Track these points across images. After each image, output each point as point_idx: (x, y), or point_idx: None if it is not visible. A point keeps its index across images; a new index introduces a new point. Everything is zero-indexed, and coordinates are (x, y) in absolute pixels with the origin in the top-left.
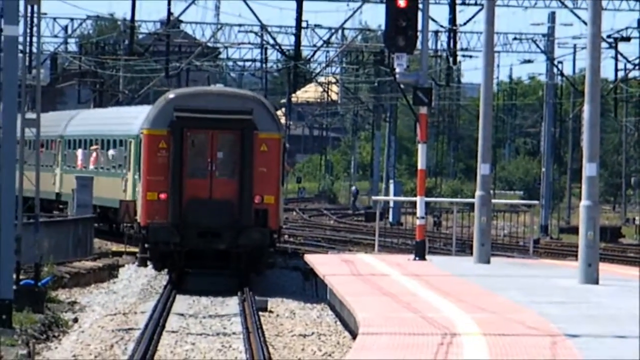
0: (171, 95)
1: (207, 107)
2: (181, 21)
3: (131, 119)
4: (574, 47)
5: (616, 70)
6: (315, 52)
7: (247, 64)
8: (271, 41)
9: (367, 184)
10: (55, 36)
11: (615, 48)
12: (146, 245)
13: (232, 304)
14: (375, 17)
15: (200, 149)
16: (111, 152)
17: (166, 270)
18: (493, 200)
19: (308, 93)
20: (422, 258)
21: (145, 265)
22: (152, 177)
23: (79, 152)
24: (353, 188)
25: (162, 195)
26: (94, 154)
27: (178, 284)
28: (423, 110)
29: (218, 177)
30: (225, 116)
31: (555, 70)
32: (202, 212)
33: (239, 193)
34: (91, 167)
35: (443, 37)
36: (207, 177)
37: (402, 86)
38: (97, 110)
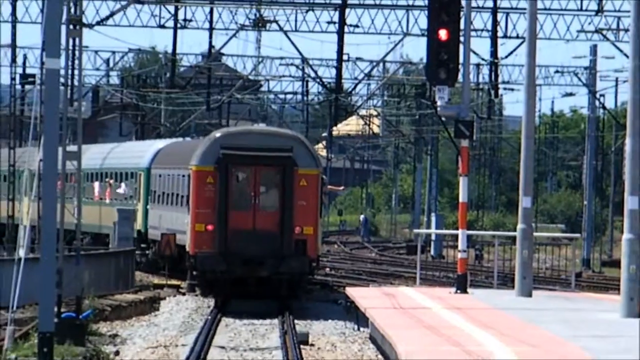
0: (217, 134)
1: (251, 145)
2: (222, 54)
3: (141, 153)
4: (616, 80)
5: None
6: (356, 84)
7: (289, 96)
8: (312, 74)
9: (409, 217)
10: (97, 69)
11: None
12: (194, 273)
13: (273, 336)
14: (416, 50)
15: (244, 184)
16: (122, 187)
17: (207, 302)
18: (535, 234)
19: (349, 126)
20: (464, 291)
21: (194, 292)
22: (200, 210)
23: (96, 184)
24: (362, 217)
25: (209, 227)
26: (109, 187)
27: (223, 309)
28: (464, 143)
29: (261, 209)
30: (268, 153)
31: (597, 103)
32: (246, 242)
33: (280, 224)
34: (107, 200)
35: (485, 70)
36: (251, 210)
37: (443, 119)
38: (109, 145)
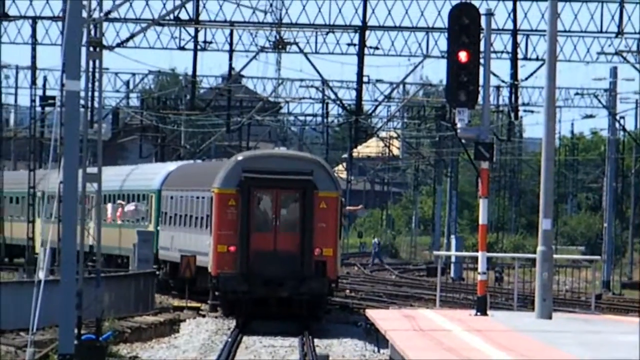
0: (240, 157)
1: (272, 169)
2: (242, 76)
3: (152, 175)
4: (636, 102)
5: None
6: (376, 106)
7: (309, 118)
8: (332, 96)
9: (429, 239)
10: (117, 91)
11: None
12: (216, 293)
13: (293, 358)
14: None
15: (265, 206)
16: (131, 207)
17: (227, 324)
18: (555, 256)
19: (369, 148)
20: (484, 313)
21: (215, 312)
22: (222, 232)
23: (109, 206)
24: (374, 240)
25: (232, 248)
26: (120, 208)
27: (244, 329)
28: (484, 165)
29: (281, 231)
30: (288, 177)
31: (617, 125)
32: (267, 263)
33: (300, 246)
34: (118, 221)
35: (505, 92)
36: (272, 231)
37: (463, 141)
38: (121, 167)
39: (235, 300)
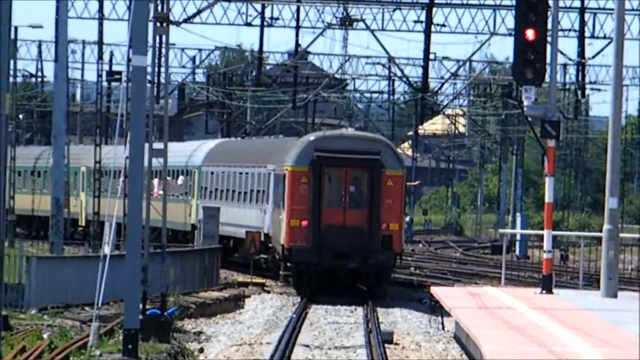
0: (311, 137)
1: (342, 148)
2: (309, 52)
3: (195, 152)
4: None
5: None
6: (442, 84)
7: (374, 95)
8: (399, 73)
9: (494, 217)
10: (183, 67)
11: None
12: (288, 265)
13: (357, 335)
14: (503, 49)
15: (336, 184)
16: (180, 181)
17: (292, 300)
18: (621, 234)
19: (435, 125)
20: (549, 292)
21: (287, 282)
22: (295, 207)
23: (155, 181)
24: (407, 218)
25: (304, 222)
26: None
27: (313, 299)
28: (551, 143)
29: (350, 207)
30: (358, 156)
31: None
32: (337, 237)
33: (368, 221)
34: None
35: (571, 70)
36: (342, 207)
37: (529, 119)
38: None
39: (306, 271)
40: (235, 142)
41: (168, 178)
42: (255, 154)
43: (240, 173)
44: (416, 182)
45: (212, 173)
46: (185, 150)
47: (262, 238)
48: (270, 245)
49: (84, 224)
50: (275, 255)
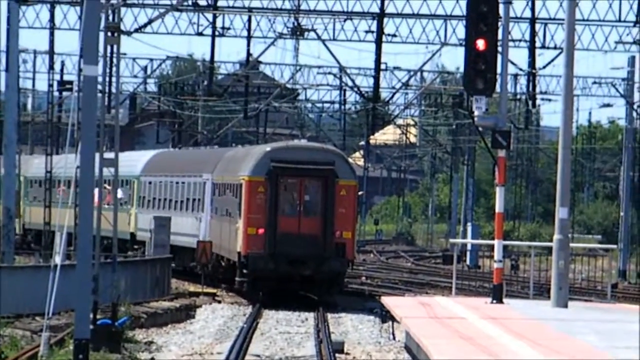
0: (267, 148)
1: (298, 159)
2: (260, 62)
3: (134, 162)
4: None
5: None
6: (394, 94)
7: (326, 105)
8: (350, 83)
9: (445, 227)
10: (135, 76)
11: None
12: (244, 271)
13: (308, 345)
14: (454, 59)
15: (291, 193)
16: (119, 193)
17: (242, 310)
18: (571, 244)
19: (386, 135)
20: (500, 301)
21: (242, 288)
22: (251, 215)
23: (95, 191)
24: None
25: (260, 230)
26: (107, 193)
27: (265, 305)
28: (501, 153)
29: (305, 215)
30: (313, 166)
31: (634, 114)
32: (292, 244)
33: (322, 229)
34: (105, 205)
35: (522, 80)
36: (297, 216)
37: (480, 129)
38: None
39: (262, 277)
40: (172, 153)
41: (107, 187)
42: (191, 164)
43: (177, 182)
44: (360, 192)
45: (150, 183)
46: (125, 161)
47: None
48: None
49: (21, 232)
50: (220, 262)
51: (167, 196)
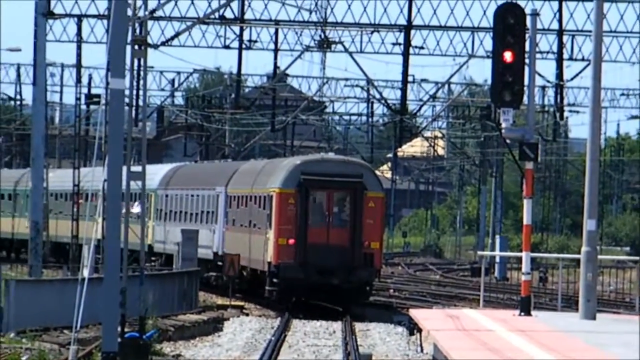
0: (297, 161)
1: (327, 172)
2: (287, 75)
3: (151, 175)
4: None
5: None
6: (421, 106)
7: (353, 117)
8: (377, 95)
9: (473, 239)
10: (162, 89)
11: None
12: (274, 280)
13: (336, 357)
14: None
15: (320, 204)
16: (135, 206)
17: (270, 323)
18: (599, 257)
19: (414, 147)
20: (528, 314)
21: (272, 297)
22: (282, 226)
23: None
24: None
25: (291, 241)
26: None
27: (294, 314)
28: (529, 165)
29: (334, 226)
30: (342, 179)
31: None
32: (321, 254)
33: (351, 239)
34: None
35: (550, 92)
36: (326, 227)
37: (508, 141)
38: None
39: (292, 287)
40: (187, 167)
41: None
42: (204, 177)
43: (192, 195)
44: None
45: (166, 196)
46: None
47: (212, 257)
48: (219, 263)
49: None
50: (242, 273)
51: (182, 209)
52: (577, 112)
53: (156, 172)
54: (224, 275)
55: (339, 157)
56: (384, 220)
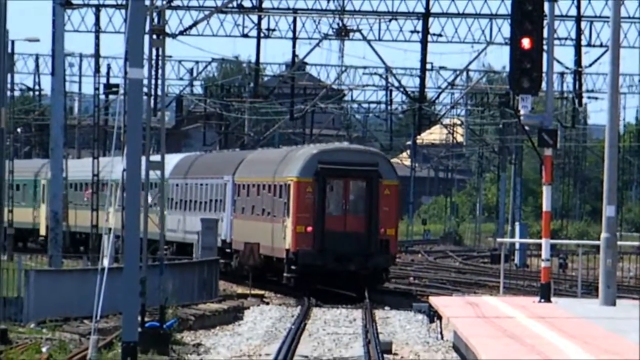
0: (314, 150)
1: (344, 160)
2: (306, 63)
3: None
4: None
5: None
6: (440, 93)
7: (372, 105)
8: (396, 83)
9: (493, 226)
10: (181, 79)
11: None
12: (293, 267)
13: (356, 345)
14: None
15: (337, 192)
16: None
17: (290, 312)
18: (619, 243)
19: (433, 135)
20: (548, 300)
21: (290, 283)
22: (300, 215)
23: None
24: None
25: (309, 228)
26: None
27: (314, 301)
28: (548, 152)
29: (350, 214)
30: (358, 167)
31: None
32: (338, 241)
33: (367, 226)
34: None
35: (568, 79)
36: (342, 214)
37: (527, 128)
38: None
39: (310, 273)
40: (196, 156)
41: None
42: (212, 166)
43: (200, 184)
44: None
45: (177, 185)
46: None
47: (220, 244)
48: (227, 251)
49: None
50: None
51: (191, 197)
52: (596, 98)
53: (168, 162)
54: (244, 263)
55: (355, 146)
56: (399, 208)
